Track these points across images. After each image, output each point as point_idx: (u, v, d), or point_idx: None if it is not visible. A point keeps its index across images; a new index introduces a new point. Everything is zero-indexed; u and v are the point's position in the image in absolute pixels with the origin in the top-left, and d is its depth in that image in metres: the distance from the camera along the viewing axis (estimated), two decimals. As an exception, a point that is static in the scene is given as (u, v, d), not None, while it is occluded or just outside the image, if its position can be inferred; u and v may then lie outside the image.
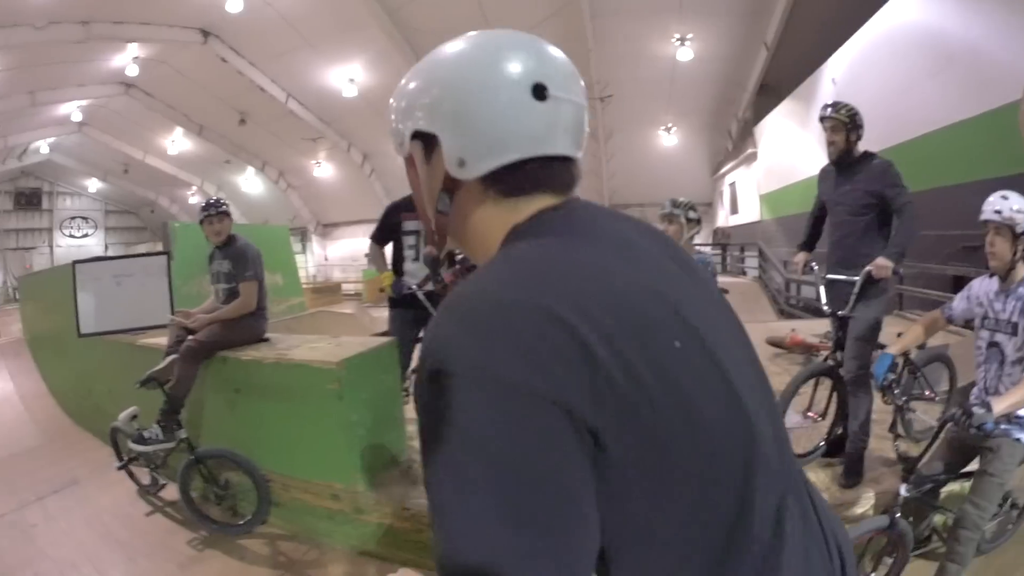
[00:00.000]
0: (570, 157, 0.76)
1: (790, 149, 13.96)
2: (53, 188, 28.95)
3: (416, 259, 4.04)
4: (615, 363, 0.56)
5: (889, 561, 2.55)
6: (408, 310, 3.98)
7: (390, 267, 4.14)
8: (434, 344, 0.59)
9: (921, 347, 3.57)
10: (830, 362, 3.31)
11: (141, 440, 3.79)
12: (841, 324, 3.22)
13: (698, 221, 3.70)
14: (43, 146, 24.03)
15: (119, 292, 4.86)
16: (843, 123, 3.28)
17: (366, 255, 4.15)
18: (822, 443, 3.35)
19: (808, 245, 3.66)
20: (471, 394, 0.54)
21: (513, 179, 0.73)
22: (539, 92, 0.71)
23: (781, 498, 0.69)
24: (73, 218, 30.20)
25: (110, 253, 28.38)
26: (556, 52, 0.77)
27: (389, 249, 4.16)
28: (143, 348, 4.59)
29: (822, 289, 3.32)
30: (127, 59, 17.17)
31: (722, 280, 13.50)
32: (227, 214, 4.01)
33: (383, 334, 4.23)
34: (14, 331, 13.10)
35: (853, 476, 3.07)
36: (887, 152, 8.70)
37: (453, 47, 0.75)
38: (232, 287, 3.96)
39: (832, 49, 11.14)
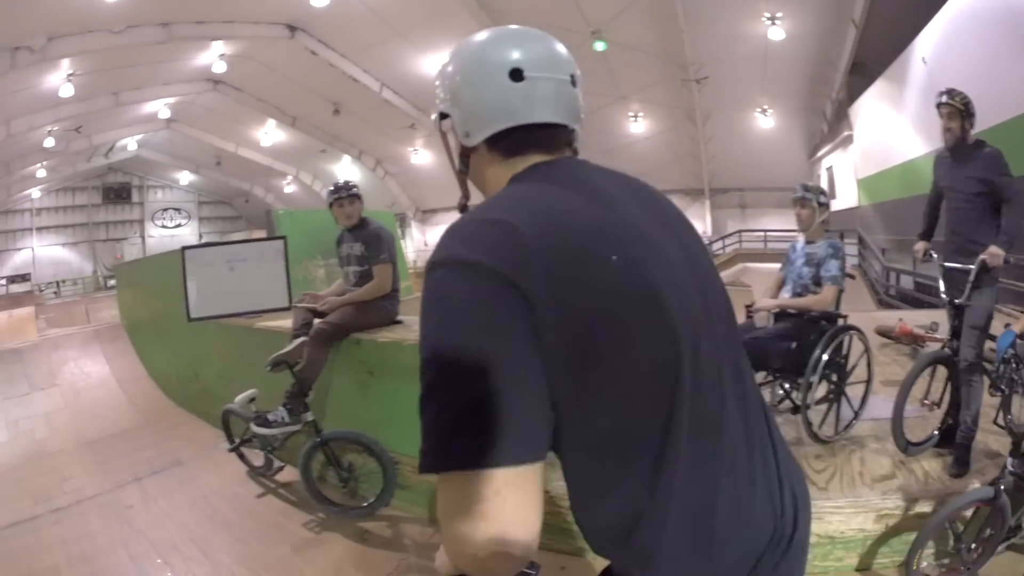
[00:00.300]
0: (555, 123, 1.02)
1: (886, 131, 14.48)
2: (143, 182, 32.30)
3: None
4: (549, 258, 0.79)
5: (988, 533, 2.67)
6: None
7: None
8: (435, 249, 0.85)
9: None
10: (946, 350, 3.43)
11: (265, 423, 4.02)
12: (957, 312, 3.37)
13: (827, 206, 3.85)
14: (130, 143, 26.55)
15: (232, 277, 5.20)
16: (958, 110, 3.42)
17: None
18: (935, 432, 3.47)
19: (927, 234, 3.83)
20: (450, 273, 0.81)
21: (506, 143, 1.01)
22: (516, 75, 0.98)
23: (717, 416, 0.91)
24: (165, 209, 33.59)
25: (204, 241, 31.47)
26: (540, 41, 1.03)
27: None
28: (261, 331, 4.96)
29: (940, 277, 3.48)
30: (213, 56, 18.72)
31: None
32: (358, 196, 4.23)
33: None
34: (105, 317, 14.62)
35: (962, 466, 3.19)
36: (985, 133, 9.37)
37: (460, 46, 1.07)
38: (365, 269, 4.19)
39: (920, 24, 11.63)
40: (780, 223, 22.29)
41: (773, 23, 15.56)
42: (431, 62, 18.63)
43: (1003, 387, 3.04)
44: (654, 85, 19.55)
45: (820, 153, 20.19)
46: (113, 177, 31.10)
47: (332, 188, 4.24)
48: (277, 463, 4.51)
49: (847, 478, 3.18)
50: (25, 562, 3.70)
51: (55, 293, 27.17)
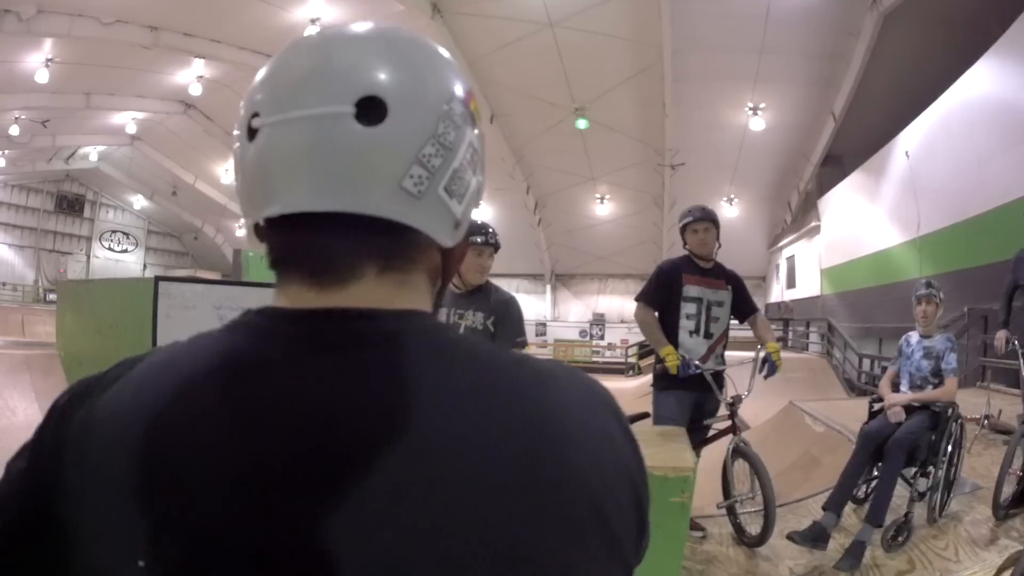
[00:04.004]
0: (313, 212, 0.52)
1: (857, 222, 14.85)
2: (97, 198, 30.78)
3: (695, 332, 3.71)
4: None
5: None
6: (683, 391, 3.65)
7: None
8: None
9: None
10: None
11: None
12: None
13: (943, 303, 4.03)
14: (92, 153, 25.59)
15: None
16: None
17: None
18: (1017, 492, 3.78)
19: (1007, 323, 4.23)
20: None
21: (287, 245, 0.55)
22: (251, 127, 0.53)
23: None
24: (114, 232, 31.86)
25: (148, 274, 29.78)
26: (424, 50, 0.57)
27: None
28: None
29: (1022, 362, 3.92)
30: (191, 76, 18.03)
31: (785, 356, 13.84)
32: (498, 248, 3.20)
33: (640, 417, 3.70)
34: (40, 333, 13.50)
35: None
36: (960, 225, 9.62)
37: None
38: None
39: (901, 121, 12.11)
40: (736, 310, 22.49)
41: (755, 113, 15.94)
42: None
43: None
44: (627, 168, 19.63)
45: (781, 243, 20.61)
46: (69, 186, 29.62)
47: (475, 228, 2.95)
48: None
49: (968, 547, 3.44)
50: None
51: (-8, 294, 25.23)
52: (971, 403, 5.95)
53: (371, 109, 0.50)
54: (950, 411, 3.72)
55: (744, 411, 9.31)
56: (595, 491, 0.51)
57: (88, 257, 30.74)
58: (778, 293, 21.31)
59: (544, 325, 25.56)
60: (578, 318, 26.43)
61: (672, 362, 3.52)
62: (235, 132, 0.55)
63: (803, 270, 19.01)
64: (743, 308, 3.92)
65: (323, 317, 0.52)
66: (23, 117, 18.62)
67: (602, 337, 25.48)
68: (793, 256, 19.87)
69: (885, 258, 13.10)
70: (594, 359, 22.53)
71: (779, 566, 3.47)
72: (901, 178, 12.31)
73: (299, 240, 0.53)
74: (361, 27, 0.56)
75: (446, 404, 0.49)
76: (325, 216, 0.52)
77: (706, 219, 3.74)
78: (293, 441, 0.47)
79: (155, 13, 14.25)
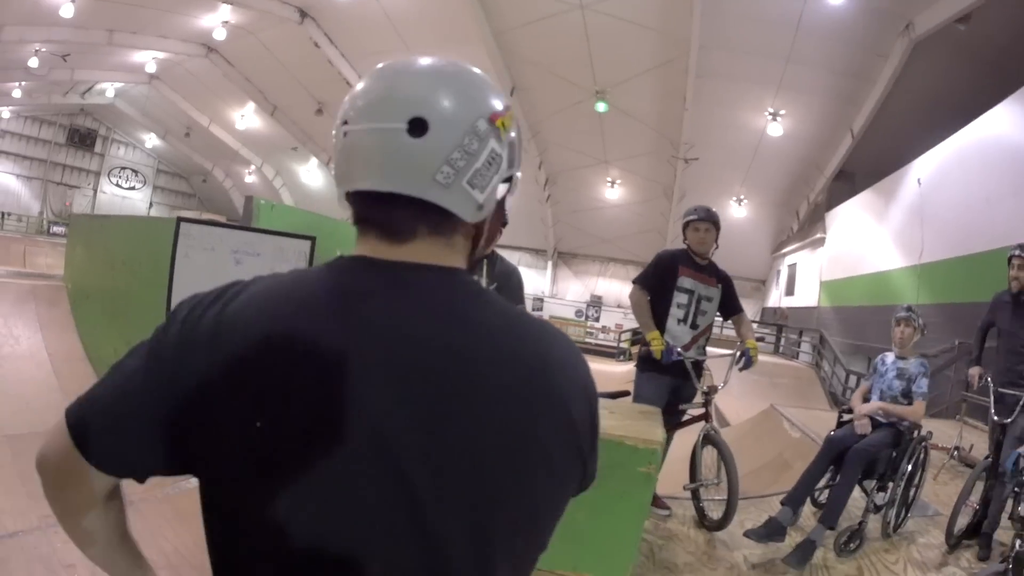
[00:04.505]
0: (386, 192, 0.77)
1: (862, 241, 14.92)
2: (109, 134, 30.64)
3: (683, 321, 3.96)
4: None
5: None
6: (664, 375, 3.91)
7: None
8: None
9: None
10: (989, 460, 3.95)
11: None
12: (1002, 430, 3.87)
13: (923, 329, 4.16)
14: (109, 89, 25.36)
15: (236, 273, 3.88)
16: None
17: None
18: (971, 522, 3.96)
19: (979, 360, 4.42)
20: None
21: (369, 213, 0.81)
22: (418, 127, 0.75)
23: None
24: (123, 168, 31.78)
25: (154, 212, 29.96)
26: (472, 81, 0.81)
27: None
28: None
29: (992, 400, 3.99)
30: (217, 21, 17.82)
31: (774, 362, 14.05)
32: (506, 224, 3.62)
33: (621, 394, 4.00)
34: (40, 264, 13.34)
35: (987, 550, 3.74)
36: (962, 259, 9.67)
37: None
38: None
39: (917, 147, 12.11)
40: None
41: (774, 119, 15.87)
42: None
43: (1016, 489, 3.47)
44: (640, 156, 19.60)
45: (785, 250, 20.64)
46: (82, 120, 29.35)
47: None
48: None
49: (916, 567, 3.64)
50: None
51: (-3, 224, 25.19)
52: (946, 434, 6.16)
53: (417, 126, 0.75)
54: (915, 433, 3.90)
55: (727, 408, 9.62)
56: (568, 404, 0.78)
57: (95, 192, 30.70)
58: (776, 298, 21.42)
59: (542, 301, 25.66)
60: (576, 297, 26.51)
61: (657, 347, 3.81)
62: (334, 128, 0.81)
63: (803, 279, 19.10)
64: (730, 306, 4.17)
65: (399, 266, 0.78)
66: (43, 50, 18.35)
67: (597, 319, 25.60)
68: (795, 264, 19.92)
69: (884, 279, 13.20)
70: (587, 339, 22.61)
71: (735, 552, 3.68)
72: (910, 204, 12.33)
73: (373, 209, 0.80)
74: (422, 61, 0.81)
75: (483, 333, 0.77)
76: (390, 194, 0.77)
77: (708, 220, 4.01)
78: (391, 348, 0.73)
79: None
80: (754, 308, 23.31)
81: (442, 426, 0.72)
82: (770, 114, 15.82)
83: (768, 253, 22.03)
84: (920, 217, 11.78)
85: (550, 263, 26.19)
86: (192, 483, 0.79)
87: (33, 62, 18.71)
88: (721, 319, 4.30)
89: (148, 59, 21.32)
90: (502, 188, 0.83)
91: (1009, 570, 3.17)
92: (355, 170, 0.78)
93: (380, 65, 0.82)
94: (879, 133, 14.25)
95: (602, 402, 3.35)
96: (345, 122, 0.78)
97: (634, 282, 4.10)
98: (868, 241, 14.46)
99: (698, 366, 4.00)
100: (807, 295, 18.41)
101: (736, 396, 10.51)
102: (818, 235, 17.73)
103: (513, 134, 0.83)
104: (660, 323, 3.92)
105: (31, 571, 3.02)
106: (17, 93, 23.08)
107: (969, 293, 9.36)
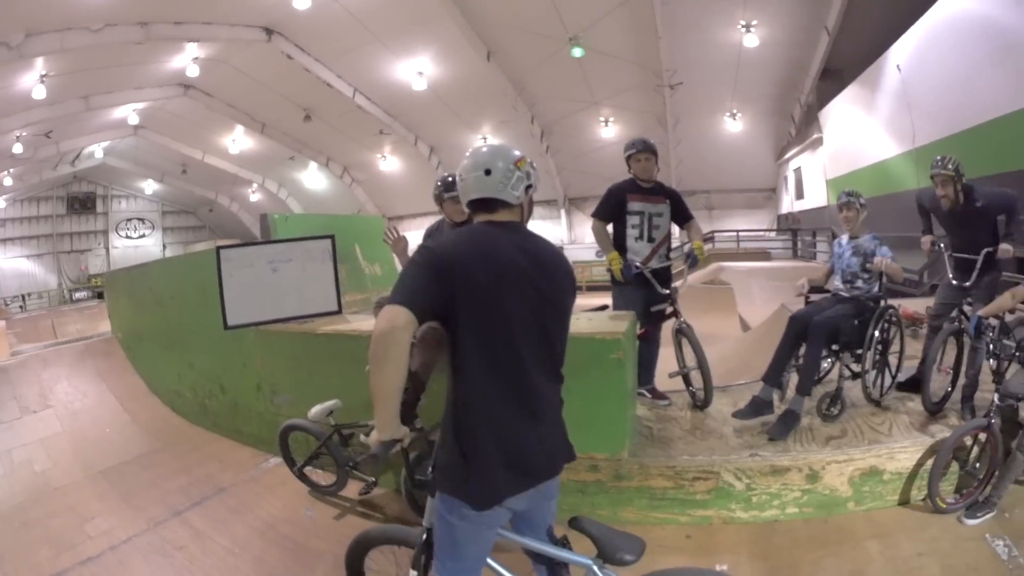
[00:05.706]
0: (488, 198, 2.04)
1: (857, 134, 14.89)
2: (108, 191, 30.99)
3: (639, 238, 4.53)
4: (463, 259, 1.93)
5: (988, 456, 3.49)
6: (634, 288, 4.45)
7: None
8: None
9: (1012, 312, 4.08)
10: (956, 324, 4.11)
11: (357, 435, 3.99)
12: (963, 293, 4.07)
13: (865, 207, 4.36)
14: (97, 150, 25.31)
15: (275, 279, 4.85)
16: (951, 176, 3.95)
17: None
18: (950, 389, 4.21)
19: (929, 229, 4.46)
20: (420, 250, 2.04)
21: (480, 206, 2.07)
22: (488, 172, 2.02)
23: (526, 375, 1.96)
24: (129, 220, 32.31)
25: (168, 253, 30.42)
26: (506, 151, 2.07)
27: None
28: (326, 336, 4.62)
29: (950, 265, 4.18)
30: (187, 60, 17.87)
31: (793, 265, 14.29)
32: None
33: (602, 308, 4.97)
34: (71, 332, 14.07)
35: (970, 412, 3.89)
36: (953, 139, 9.72)
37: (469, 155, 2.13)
38: None
39: (894, 33, 12.00)
40: (748, 223, 22.58)
41: (748, 31, 15.73)
42: (406, 68, 18.80)
43: (997, 352, 3.66)
44: (627, 91, 19.58)
45: (788, 155, 20.55)
46: (78, 186, 29.77)
47: (444, 181, 3.94)
48: (367, 479, 4.12)
49: (903, 427, 3.88)
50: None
51: (20, 307, 25.85)
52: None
53: (487, 171, 2.04)
54: (880, 303, 4.22)
55: (748, 315, 10.03)
56: (572, 273, 2.15)
57: (107, 249, 31.15)
58: (788, 204, 21.39)
59: (562, 248, 25.78)
60: (593, 240, 26.54)
61: (616, 265, 4.41)
62: (458, 176, 2.11)
63: (810, 181, 19.07)
64: (681, 215, 4.67)
65: (506, 225, 2.06)
66: (25, 134, 18.54)
67: (619, 254, 25.80)
68: (800, 168, 19.85)
69: (884, 169, 13.21)
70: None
71: (723, 425, 4.11)
72: (895, 91, 12.29)
73: (482, 203, 2.07)
74: (489, 145, 2.20)
75: (546, 246, 2.11)
76: (490, 198, 2.08)
77: (647, 150, 4.56)
78: (529, 259, 2.01)
79: (143, 9, 14.32)
80: (768, 216, 23.34)
81: (550, 282, 2.02)
82: (743, 26, 15.68)
83: (772, 161, 21.93)
84: (907, 103, 11.75)
85: (563, 211, 26.37)
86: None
87: (17, 148, 18.88)
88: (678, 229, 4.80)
89: (129, 112, 21.36)
90: (527, 191, 2.07)
91: (993, 423, 3.43)
92: (470, 191, 2.05)
93: (470, 149, 2.11)
94: (855, 26, 14.08)
95: (585, 313, 4.46)
96: (461, 175, 2.07)
97: (592, 216, 4.69)
98: (863, 134, 14.43)
99: (664, 272, 4.57)
100: (816, 196, 18.43)
101: (759, 304, 10.88)
102: (815, 135, 17.66)
103: (526, 168, 2.06)
104: (622, 244, 4.53)
105: (149, 562, 3.64)
106: (8, 181, 23.20)
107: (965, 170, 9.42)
